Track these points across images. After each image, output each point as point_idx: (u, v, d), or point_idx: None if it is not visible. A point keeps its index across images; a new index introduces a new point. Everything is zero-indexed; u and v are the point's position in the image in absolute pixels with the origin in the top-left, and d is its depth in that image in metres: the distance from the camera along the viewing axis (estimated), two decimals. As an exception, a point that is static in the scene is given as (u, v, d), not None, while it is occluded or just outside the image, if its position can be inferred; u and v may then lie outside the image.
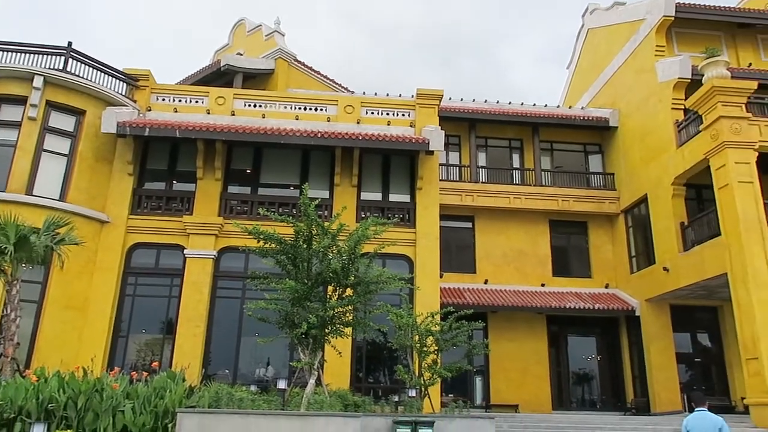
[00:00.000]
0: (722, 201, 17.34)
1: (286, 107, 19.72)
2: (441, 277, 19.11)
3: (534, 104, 25.54)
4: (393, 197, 19.63)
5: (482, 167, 24.57)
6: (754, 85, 17.96)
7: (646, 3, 22.74)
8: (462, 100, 25.25)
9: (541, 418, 17.74)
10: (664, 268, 20.06)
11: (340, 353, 12.59)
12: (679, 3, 21.27)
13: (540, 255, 23.74)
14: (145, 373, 11.84)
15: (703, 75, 18.51)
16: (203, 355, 16.93)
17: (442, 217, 19.59)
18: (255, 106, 19.63)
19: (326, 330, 11.79)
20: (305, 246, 11.76)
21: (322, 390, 11.95)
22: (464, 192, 23.46)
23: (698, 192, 20.76)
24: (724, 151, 17.26)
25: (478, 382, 22.07)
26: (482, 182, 24.02)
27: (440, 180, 21.43)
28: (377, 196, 19.62)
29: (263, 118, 19.24)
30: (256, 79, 23.41)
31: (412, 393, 13.75)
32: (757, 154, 17.30)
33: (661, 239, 20.73)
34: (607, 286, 23.42)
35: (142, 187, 18.77)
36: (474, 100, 25.34)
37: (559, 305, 21.45)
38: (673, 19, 21.25)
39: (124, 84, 19.00)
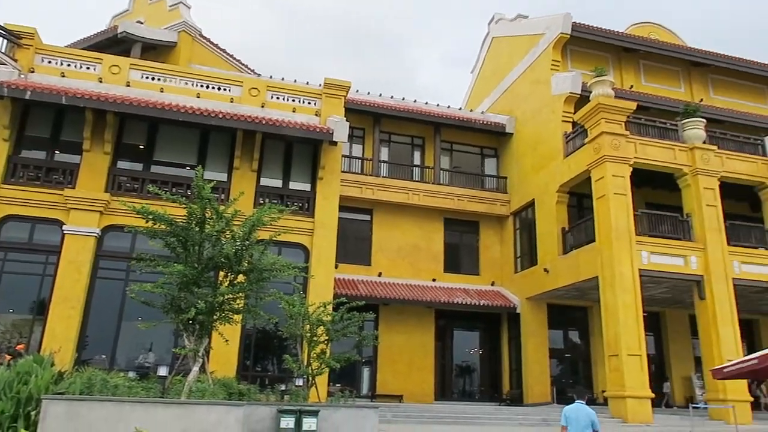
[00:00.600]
0: (599, 210, 18.82)
1: (187, 83, 18.92)
2: (336, 267, 19.24)
3: (438, 104, 26.27)
4: (293, 185, 19.46)
5: (384, 162, 24.95)
6: (634, 105, 19.60)
7: (546, 19, 24.08)
8: (369, 93, 25.47)
9: (423, 408, 18.41)
10: (545, 269, 21.45)
11: (227, 341, 12.34)
12: (575, 22, 22.71)
13: (433, 251, 24.52)
14: (8, 357, 10.96)
15: (591, 92, 19.93)
16: (78, 338, 15.91)
17: (341, 208, 19.70)
18: (153, 79, 18.65)
19: (214, 316, 11.51)
20: (197, 229, 11.39)
21: (206, 378, 11.68)
22: (365, 185, 23.71)
23: (579, 200, 22.35)
24: (604, 164, 18.72)
25: (366, 372, 22.51)
26: (383, 176, 24.39)
27: (342, 171, 21.53)
28: (277, 183, 19.37)
29: (161, 92, 18.33)
30: (156, 50, 22.19)
31: (299, 382, 13.77)
32: (631, 169, 18.93)
33: (544, 242, 22.13)
34: (493, 284, 24.66)
35: (19, 154, 17.27)
36: (381, 95, 25.64)
37: (448, 300, 22.30)
38: (569, 36, 22.67)
39: (4, 41, 17.34)
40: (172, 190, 16.96)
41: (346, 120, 19.04)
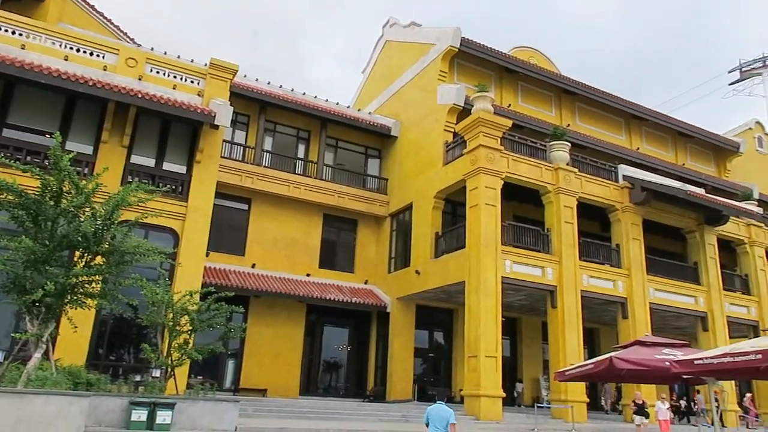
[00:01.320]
0: (471, 218, 19.79)
1: (54, 43, 17.23)
2: (207, 256, 18.51)
3: (327, 100, 26.19)
4: (168, 166, 18.42)
5: (267, 151, 24.41)
6: (510, 123, 20.86)
7: (437, 30, 24.92)
8: (258, 80, 24.80)
9: (286, 402, 18.24)
10: (416, 272, 22.16)
11: (75, 328, 11.34)
12: (464, 38, 23.71)
13: (310, 246, 24.41)
14: None
15: (473, 105, 20.91)
16: None
17: (217, 195, 18.98)
18: (14, 33, 16.78)
19: (65, 299, 10.55)
20: (52, 203, 10.38)
21: (49, 365, 10.67)
22: (245, 173, 23.05)
23: (454, 207, 23.35)
24: (479, 175, 19.72)
25: (231, 365, 21.89)
26: (265, 166, 23.86)
27: (222, 157, 20.81)
28: (150, 162, 18.23)
29: (22, 49, 16.54)
30: (21, 3, 19.97)
31: (157, 373, 13.08)
32: (502, 182, 20.12)
33: (418, 245, 22.86)
34: (366, 282, 25.03)
35: None
36: (269, 83, 25.06)
37: (320, 296, 22.29)
38: (457, 50, 23.63)
39: None
40: (27, 159, 15.40)
41: (231, 104, 18.37)
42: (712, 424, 14.24)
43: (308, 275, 23.75)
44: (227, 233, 22.75)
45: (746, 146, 32.94)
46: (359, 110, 27.86)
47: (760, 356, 6.72)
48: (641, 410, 17.46)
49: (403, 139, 25.99)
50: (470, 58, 24.85)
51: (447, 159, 22.29)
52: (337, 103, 26.53)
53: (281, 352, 22.31)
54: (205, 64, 19.39)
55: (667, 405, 18.04)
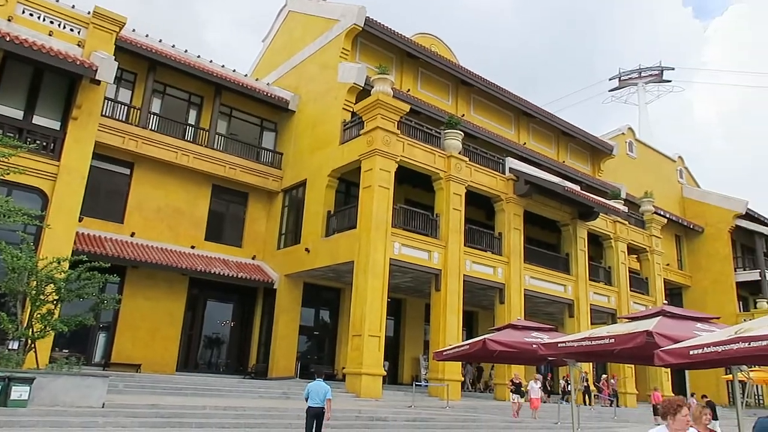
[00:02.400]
0: (363, 199, 19.91)
1: None
2: (80, 221, 17.19)
3: (223, 66, 25.05)
4: (39, 120, 16.83)
5: (154, 114, 22.95)
6: (408, 108, 21.12)
7: (342, 6, 24.58)
8: (147, 36, 23.15)
9: (161, 378, 17.50)
10: (306, 249, 22.00)
11: None
12: (369, 18, 23.59)
13: (196, 217, 23.42)
14: None
15: (373, 87, 20.92)
16: None
17: (95, 156, 17.68)
18: None
19: None
20: None
21: None
22: (128, 135, 21.54)
23: (347, 187, 23.37)
24: (374, 157, 19.84)
25: (102, 339, 20.62)
26: (151, 130, 22.43)
27: (102, 116, 19.35)
28: (17, 114, 16.57)
29: None
30: None
31: (14, 345, 11.99)
32: (397, 165, 20.40)
33: (309, 222, 22.67)
34: (254, 258, 24.48)
35: None
36: (161, 41, 23.49)
37: (204, 269, 21.48)
38: (361, 29, 23.48)
39: None
40: None
41: (116, 59, 17.03)
42: (588, 403, 15.61)
43: (193, 247, 22.80)
44: (105, 198, 21.28)
45: (619, 149, 35.87)
46: (257, 80, 26.94)
47: (613, 340, 7.34)
48: (518, 389, 18.67)
49: (301, 113, 25.53)
50: (373, 39, 24.82)
51: (344, 138, 22.20)
52: (234, 70, 25.46)
53: (159, 327, 21.32)
54: (89, 13, 17.77)
55: (539, 385, 19.44)
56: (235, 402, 14.27)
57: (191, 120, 24.32)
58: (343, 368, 20.61)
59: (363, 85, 22.34)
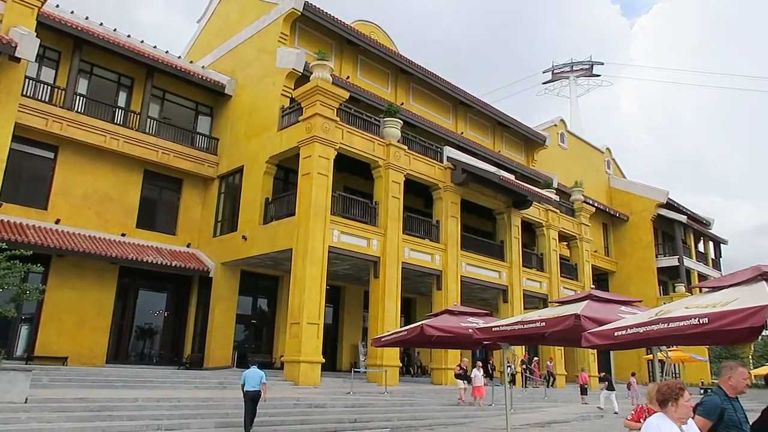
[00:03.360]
0: (302, 186, 19.74)
1: None
2: (-1, 207, 16.20)
3: (155, 46, 24.07)
4: (-50, 99, 15.62)
5: (81, 95, 21.83)
6: (347, 95, 21.02)
7: (281, -10, 24.08)
8: (73, 13, 21.92)
9: (90, 371, 16.81)
10: (243, 237, 21.63)
11: None
12: (307, 2, 23.25)
13: (127, 203, 22.54)
14: None
15: (312, 73, 20.68)
16: None
17: (15, 138, 16.65)
18: None
19: None
20: None
21: None
22: (52, 117, 20.41)
23: (286, 174, 23.10)
24: (313, 144, 19.67)
25: (24, 331, 19.61)
26: (77, 112, 21.32)
27: (23, 96, 18.26)
28: (-74, 92, 15.31)
29: None
30: None
31: (-75, 340, 11.21)
32: (336, 153, 20.31)
33: (247, 209, 22.27)
34: (189, 246, 23.84)
35: None
36: (87, 18, 22.30)
37: (136, 258, 20.73)
38: (299, 14, 23.11)
39: None
40: None
41: (38, 36, 16.04)
42: (519, 384, 16.12)
43: (123, 235, 21.95)
44: (27, 183, 20.15)
45: (551, 140, 37.10)
46: (191, 62, 26.07)
47: (544, 324, 7.66)
48: (464, 375, 18.89)
49: (238, 98, 24.95)
50: (312, 24, 24.50)
51: (282, 124, 21.89)
52: (167, 52, 24.53)
53: (87, 318, 20.46)
54: (7, -15, 16.61)
55: (483, 372, 19.57)
56: (170, 393, 13.93)
57: (121, 102, 23.31)
58: (281, 356, 20.47)
59: (302, 71, 22.05)
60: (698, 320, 4.83)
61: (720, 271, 46.43)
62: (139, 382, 15.64)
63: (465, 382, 18.74)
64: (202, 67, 25.89)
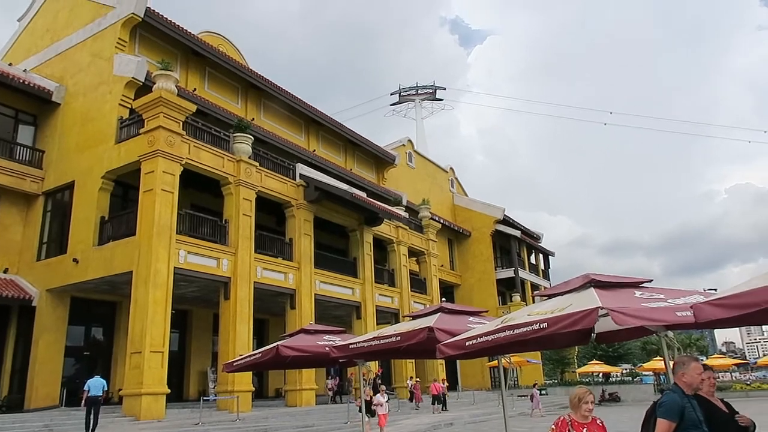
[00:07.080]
0: (144, 204, 18.34)
1: None
2: None
3: (-36, 45, 21.09)
4: None
5: None
6: (194, 108, 20.03)
7: (119, -7, 22.43)
8: None
9: None
10: (75, 260, 19.54)
11: None
12: (150, 8, 21.88)
13: (-75, 224, 19.30)
14: None
15: (154, 83, 19.42)
16: None
17: None
18: None
19: None
20: None
21: None
22: None
23: (125, 190, 21.35)
24: (156, 158, 18.40)
25: None
26: None
27: None
28: None
29: None
30: None
31: None
32: (182, 168, 19.20)
33: (78, 229, 20.16)
34: (6, 271, 20.98)
35: None
36: None
37: (-64, 287, 17.76)
38: (140, 20, 21.65)
39: None
40: None
41: None
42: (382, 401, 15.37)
43: None
44: None
45: (400, 159, 38.58)
46: (10, 65, 23.19)
47: (400, 338, 7.75)
48: (368, 406, 15.22)
49: (68, 107, 22.63)
50: (155, 32, 23.09)
51: (121, 137, 20.23)
52: (-20, 52, 21.61)
53: None
54: None
55: (387, 398, 16.55)
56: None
57: None
58: (120, 390, 18.67)
59: (143, 81, 20.61)
60: (539, 325, 5.17)
61: (549, 280, 51.22)
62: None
63: (369, 416, 15.09)
64: (24, 70, 23.16)
